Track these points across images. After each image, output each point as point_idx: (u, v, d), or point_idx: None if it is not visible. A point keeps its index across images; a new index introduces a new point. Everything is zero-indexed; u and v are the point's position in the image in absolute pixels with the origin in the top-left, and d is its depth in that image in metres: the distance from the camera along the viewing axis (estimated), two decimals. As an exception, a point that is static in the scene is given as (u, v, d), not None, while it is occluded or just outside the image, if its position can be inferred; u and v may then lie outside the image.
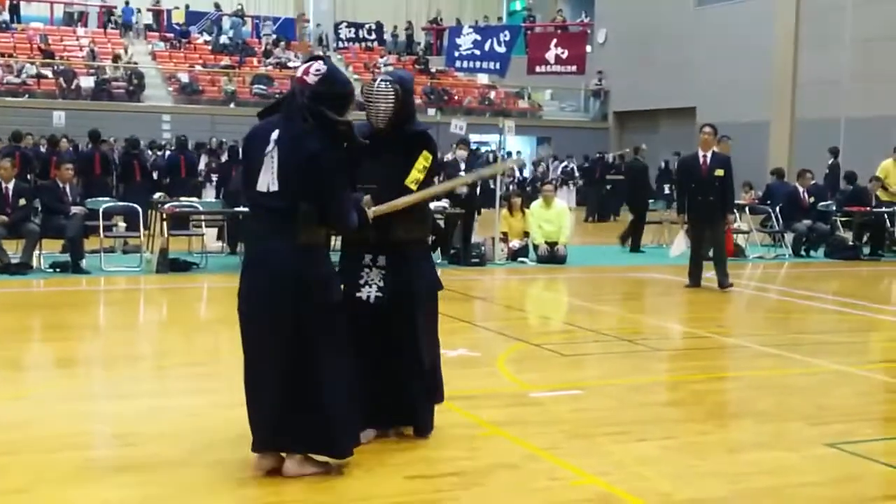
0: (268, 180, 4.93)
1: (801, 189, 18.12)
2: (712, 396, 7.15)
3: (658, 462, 5.47)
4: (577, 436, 5.97)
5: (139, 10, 37.74)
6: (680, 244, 13.22)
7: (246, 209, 13.39)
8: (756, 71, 29.68)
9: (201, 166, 25.74)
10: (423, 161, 5.53)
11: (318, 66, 5.02)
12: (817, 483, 5.27)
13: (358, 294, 5.54)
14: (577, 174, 32.52)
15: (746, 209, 18.66)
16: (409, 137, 5.59)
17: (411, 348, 5.61)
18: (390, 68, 37.08)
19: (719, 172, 12.76)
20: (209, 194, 23.21)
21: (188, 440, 5.69)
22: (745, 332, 10.25)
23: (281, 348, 4.95)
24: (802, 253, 17.90)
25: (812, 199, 18.22)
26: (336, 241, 5.99)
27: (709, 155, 12.83)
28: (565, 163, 33.18)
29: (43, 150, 22.54)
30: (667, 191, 28.58)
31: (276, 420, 5.01)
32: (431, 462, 5.37)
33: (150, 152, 24.78)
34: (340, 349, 5.10)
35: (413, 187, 5.49)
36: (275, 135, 4.95)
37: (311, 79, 4.98)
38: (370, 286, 5.56)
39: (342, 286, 5.30)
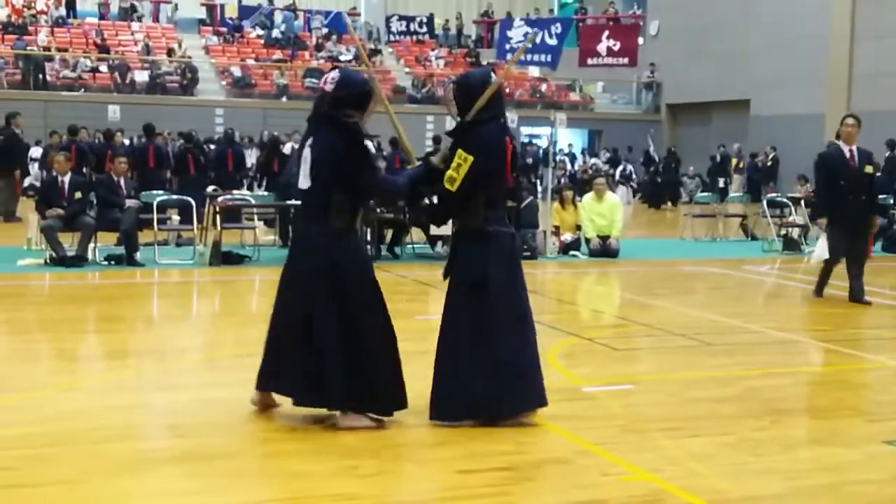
0: (303, 179, 5.84)
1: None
2: (767, 392, 7.04)
3: (712, 458, 5.40)
4: (629, 431, 5.92)
5: (175, 6, 37.95)
6: (823, 249, 11.68)
7: (297, 202, 13.62)
8: (811, 62, 29.33)
9: (252, 160, 25.87)
10: (457, 159, 5.77)
11: (334, 74, 5.86)
12: (876, 481, 5.17)
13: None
14: (634, 178, 32.26)
15: (802, 202, 18.43)
16: (461, 128, 5.94)
17: (443, 337, 5.93)
18: (441, 62, 37.19)
19: (869, 169, 11.44)
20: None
21: (240, 431, 5.71)
22: (801, 328, 10.12)
23: (316, 316, 5.68)
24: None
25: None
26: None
27: (855, 150, 11.36)
28: (622, 167, 32.78)
29: (98, 143, 22.79)
30: (721, 184, 28.37)
31: (315, 377, 5.66)
32: (482, 456, 5.34)
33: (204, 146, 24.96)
34: (379, 320, 5.82)
35: (448, 186, 5.80)
36: (310, 140, 5.85)
37: (328, 87, 5.79)
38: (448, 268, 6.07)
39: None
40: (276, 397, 6.10)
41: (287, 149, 20.10)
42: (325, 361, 5.62)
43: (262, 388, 6.05)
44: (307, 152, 5.80)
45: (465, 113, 5.86)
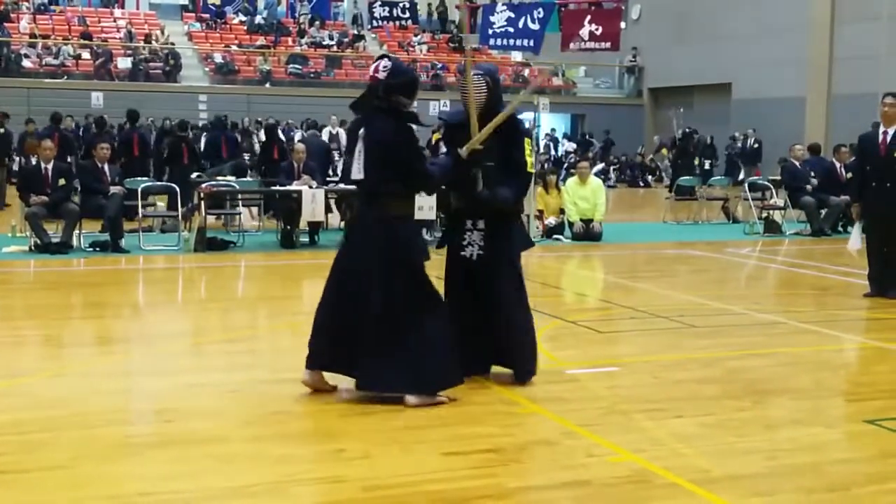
0: (357, 171, 6.04)
1: (838, 165, 17.94)
2: (749, 373, 7.11)
3: (695, 439, 5.46)
4: (613, 412, 5.98)
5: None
6: (856, 238, 10.93)
7: (284, 188, 13.77)
8: (792, 46, 29.40)
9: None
10: (528, 146, 6.66)
11: (385, 63, 6.05)
12: (856, 459, 5.25)
13: (462, 252, 6.58)
14: (612, 178, 32.12)
15: (783, 185, 18.53)
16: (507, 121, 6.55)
17: (508, 300, 6.49)
18: (423, 48, 37.09)
19: None
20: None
21: (227, 416, 5.74)
22: (782, 309, 10.19)
23: (370, 296, 5.89)
24: (840, 229, 17.73)
25: (849, 175, 18.02)
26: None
27: (890, 132, 10.34)
28: (599, 165, 32.50)
29: (88, 131, 22.70)
30: (706, 167, 28.29)
31: (362, 360, 5.94)
32: (468, 439, 5.39)
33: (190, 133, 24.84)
34: (425, 303, 6.01)
35: (532, 170, 6.75)
36: (361, 131, 6.06)
37: (381, 74, 5.99)
38: (472, 246, 6.55)
39: (447, 246, 6.65)
40: (329, 378, 6.22)
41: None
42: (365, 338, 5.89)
43: (320, 367, 6.16)
44: (360, 144, 6.02)
45: (492, 104, 6.55)
